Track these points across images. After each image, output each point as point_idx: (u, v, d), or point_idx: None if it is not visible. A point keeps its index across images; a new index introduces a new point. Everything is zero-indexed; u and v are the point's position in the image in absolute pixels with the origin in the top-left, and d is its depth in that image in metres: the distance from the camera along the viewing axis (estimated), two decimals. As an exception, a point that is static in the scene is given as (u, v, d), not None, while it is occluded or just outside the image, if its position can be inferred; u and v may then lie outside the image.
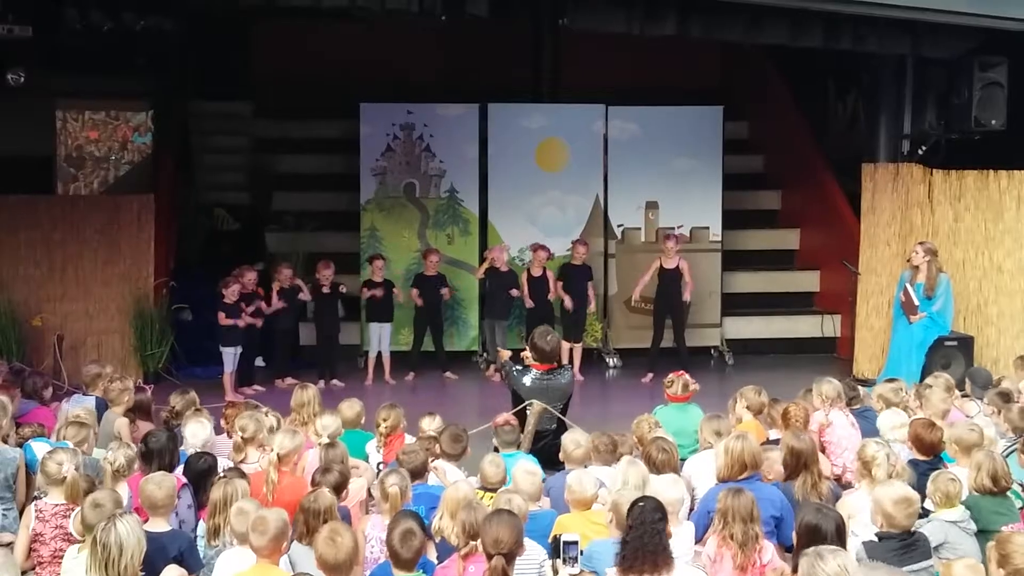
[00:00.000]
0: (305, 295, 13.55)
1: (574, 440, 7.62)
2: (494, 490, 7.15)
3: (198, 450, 7.76)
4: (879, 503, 6.12)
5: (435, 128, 15.05)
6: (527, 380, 9.33)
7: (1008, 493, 7.17)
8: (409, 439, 8.61)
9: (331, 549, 5.48)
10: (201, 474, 7.26)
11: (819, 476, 7.18)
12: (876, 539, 6.11)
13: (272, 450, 7.25)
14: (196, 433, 8.00)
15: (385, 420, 8.57)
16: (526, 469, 7.11)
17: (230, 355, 12.86)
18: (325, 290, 13.61)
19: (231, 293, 12.87)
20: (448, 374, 14.11)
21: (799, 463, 7.18)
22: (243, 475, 7.04)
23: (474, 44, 16.48)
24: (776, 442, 8.04)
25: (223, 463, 7.75)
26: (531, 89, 16.32)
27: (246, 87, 17.20)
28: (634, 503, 5.86)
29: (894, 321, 13.18)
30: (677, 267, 14.04)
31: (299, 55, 17.31)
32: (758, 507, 6.32)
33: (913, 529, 6.11)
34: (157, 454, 7.30)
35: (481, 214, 15.13)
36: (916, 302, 12.66)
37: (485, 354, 14.73)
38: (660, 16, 11.19)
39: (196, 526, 6.88)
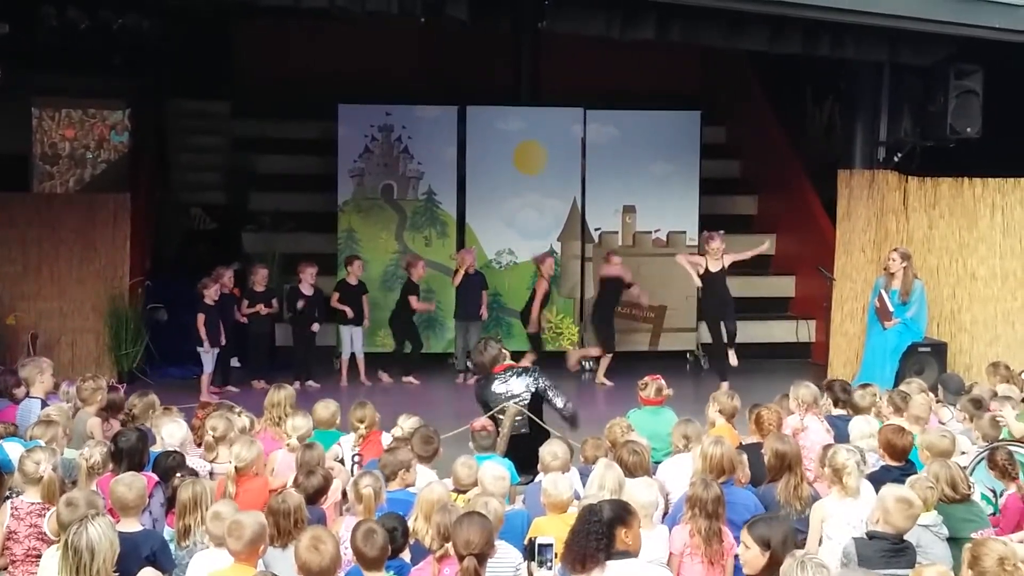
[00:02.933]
0: (273, 307, 13.50)
1: (552, 452, 7.60)
2: (466, 492, 7.16)
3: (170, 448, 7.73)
4: (882, 500, 6.17)
5: (413, 130, 15.04)
6: (494, 388, 9.53)
7: (979, 499, 7.22)
8: (386, 436, 8.62)
9: (315, 556, 5.41)
10: (169, 471, 7.25)
11: (802, 479, 7.21)
12: (867, 537, 6.13)
13: (229, 461, 7.21)
14: (173, 433, 7.96)
15: (362, 420, 8.58)
16: (494, 474, 7.11)
17: (208, 356, 12.79)
18: (306, 291, 13.56)
19: (212, 294, 12.81)
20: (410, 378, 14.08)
21: (783, 465, 7.20)
22: (196, 474, 7.01)
23: (453, 46, 16.49)
24: (751, 446, 8.07)
25: (198, 463, 7.73)
26: (510, 92, 16.34)
27: (224, 86, 17.16)
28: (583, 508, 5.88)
29: (868, 327, 13.24)
30: (723, 267, 13.49)
31: (278, 55, 17.28)
32: (724, 503, 6.42)
33: (905, 538, 6.13)
34: (127, 453, 7.25)
35: (459, 216, 15.13)
36: (891, 308, 12.73)
37: (458, 359, 14.73)
38: (640, 20, 11.20)
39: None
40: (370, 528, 5.71)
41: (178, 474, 7.03)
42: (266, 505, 6.37)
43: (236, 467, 7.13)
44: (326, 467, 7.45)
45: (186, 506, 6.52)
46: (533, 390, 9.69)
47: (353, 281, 13.85)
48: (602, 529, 5.45)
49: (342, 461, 8.38)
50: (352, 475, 7.71)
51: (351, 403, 8.97)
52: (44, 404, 9.05)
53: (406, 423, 8.65)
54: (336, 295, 13.79)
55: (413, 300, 13.99)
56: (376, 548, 5.66)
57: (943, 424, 9.16)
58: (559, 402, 9.80)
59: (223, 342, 12.92)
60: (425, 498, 6.53)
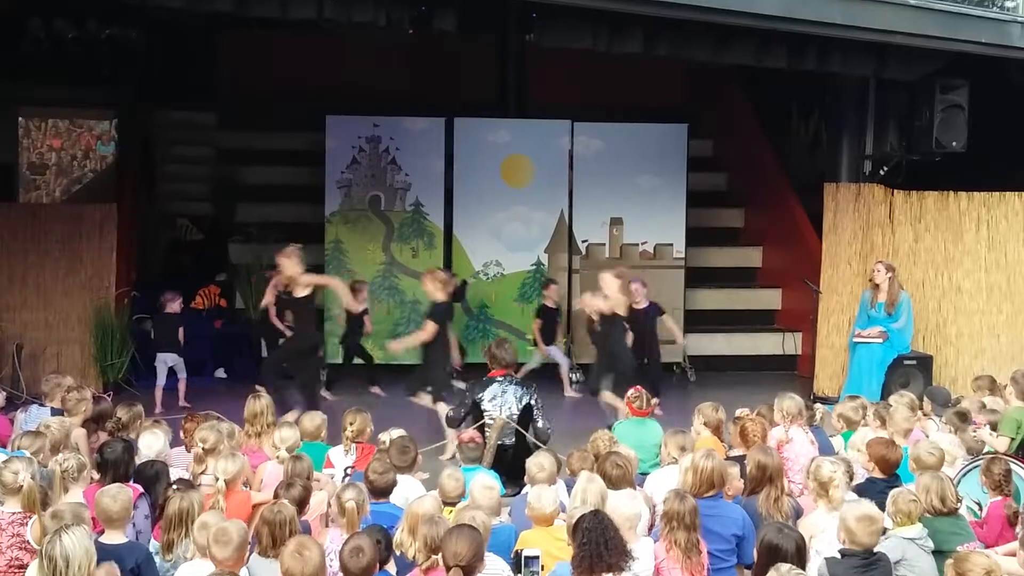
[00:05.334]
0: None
1: (538, 464, 7.57)
2: (454, 504, 7.14)
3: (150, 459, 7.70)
4: (843, 519, 6.15)
5: (401, 141, 15.04)
6: (486, 396, 9.48)
7: (965, 512, 7.22)
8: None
9: (298, 563, 5.40)
10: (150, 481, 7.21)
11: (782, 491, 7.20)
12: (839, 556, 6.13)
13: (214, 475, 7.17)
14: (150, 444, 7.92)
15: (352, 424, 8.56)
16: (483, 484, 7.09)
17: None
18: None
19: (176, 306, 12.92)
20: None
21: (764, 477, 7.19)
22: (192, 486, 6.99)
23: (441, 59, 16.51)
24: (737, 458, 8.06)
25: (180, 475, 7.69)
26: (497, 104, 16.33)
27: (211, 97, 17.14)
28: (584, 515, 5.89)
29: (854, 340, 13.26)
30: None
31: (265, 66, 17.28)
32: (699, 514, 6.42)
33: (876, 549, 6.13)
34: (112, 465, 7.22)
35: (446, 228, 15.13)
36: (878, 338, 12.75)
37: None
38: (627, 34, 11.21)
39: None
40: (358, 546, 5.67)
41: (174, 486, 6.98)
42: (259, 516, 6.34)
43: (225, 480, 7.09)
44: (311, 479, 7.43)
45: (171, 520, 6.48)
46: (525, 402, 9.66)
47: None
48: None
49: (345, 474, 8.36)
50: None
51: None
52: (59, 414, 9.07)
53: (392, 435, 8.63)
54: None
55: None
56: (362, 566, 5.63)
57: (928, 437, 9.15)
58: (540, 422, 9.75)
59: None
60: (413, 511, 6.49)
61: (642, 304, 12.78)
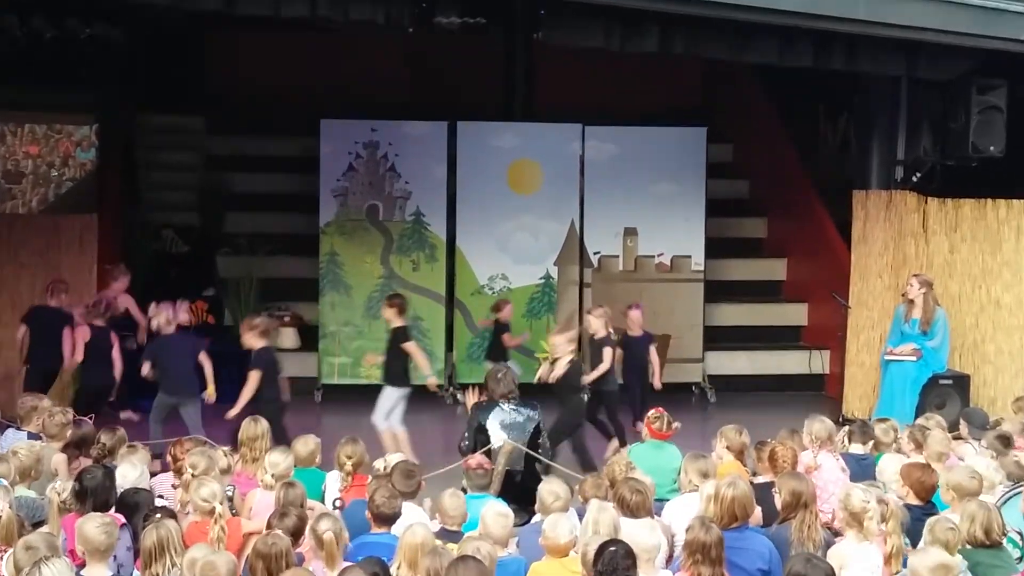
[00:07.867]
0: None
1: (551, 492, 7.55)
2: (456, 531, 7.15)
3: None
4: (914, 569, 6.07)
5: (401, 147, 15.04)
6: (491, 419, 9.48)
7: (1005, 544, 7.19)
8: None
9: None
10: (132, 510, 7.21)
11: (816, 518, 7.18)
12: None
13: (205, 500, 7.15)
14: (126, 475, 7.86)
15: (350, 457, 8.53)
16: (497, 511, 7.07)
17: None
18: None
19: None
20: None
21: (799, 503, 7.16)
22: (173, 515, 6.97)
23: (443, 58, 16.53)
24: (761, 486, 8.04)
25: (164, 503, 7.68)
26: (503, 107, 16.35)
27: (198, 100, 17.18)
28: (603, 547, 5.86)
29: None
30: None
31: (256, 67, 17.32)
32: (724, 546, 6.36)
33: None
34: (92, 492, 7.19)
35: (448, 239, 15.12)
36: (911, 356, 12.73)
37: (452, 388, 14.72)
38: (642, 31, 11.22)
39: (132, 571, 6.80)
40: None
41: (156, 515, 6.95)
42: (252, 547, 6.32)
43: (216, 506, 7.06)
44: (305, 507, 7.40)
45: (152, 553, 6.41)
46: (534, 425, 9.65)
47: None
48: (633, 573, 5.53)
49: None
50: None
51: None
52: (35, 438, 9.07)
53: (390, 459, 8.62)
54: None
55: (506, 337, 14.01)
56: None
57: (963, 461, 9.13)
58: (543, 448, 9.76)
59: None
60: (407, 543, 6.46)
61: (636, 332, 12.85)
